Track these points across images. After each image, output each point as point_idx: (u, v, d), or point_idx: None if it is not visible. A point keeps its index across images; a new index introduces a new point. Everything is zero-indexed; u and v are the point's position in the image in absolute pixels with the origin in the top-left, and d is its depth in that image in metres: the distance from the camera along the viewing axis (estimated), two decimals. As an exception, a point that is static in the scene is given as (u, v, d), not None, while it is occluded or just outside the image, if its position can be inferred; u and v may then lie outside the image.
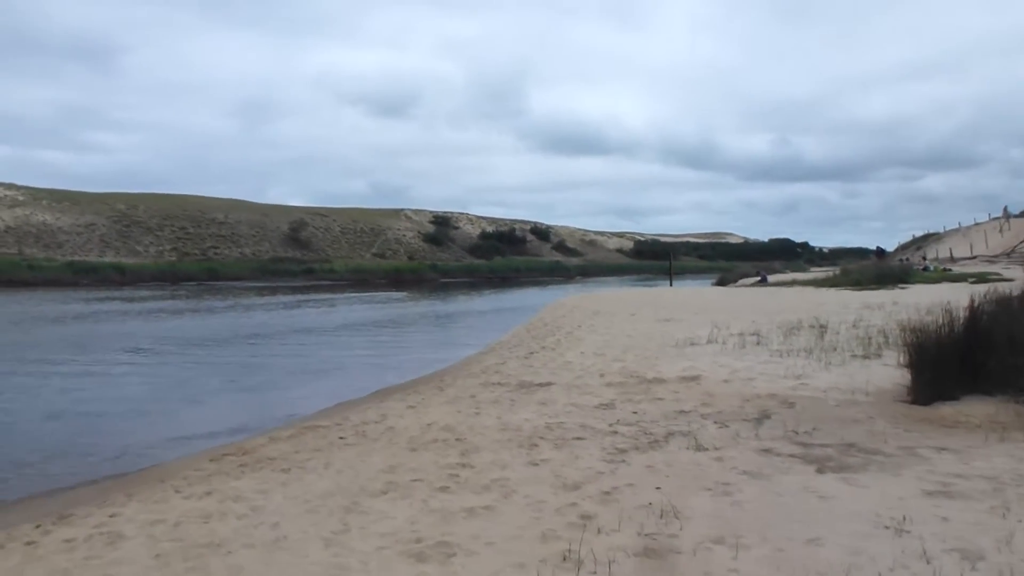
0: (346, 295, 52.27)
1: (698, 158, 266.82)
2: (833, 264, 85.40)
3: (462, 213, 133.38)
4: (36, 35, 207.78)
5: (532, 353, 13.37)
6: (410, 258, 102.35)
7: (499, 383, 10.40)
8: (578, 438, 7.01)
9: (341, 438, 7.43)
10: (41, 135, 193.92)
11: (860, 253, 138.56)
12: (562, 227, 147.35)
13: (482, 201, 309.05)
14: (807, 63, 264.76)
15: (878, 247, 44.36)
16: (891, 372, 9.65)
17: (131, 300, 41.47)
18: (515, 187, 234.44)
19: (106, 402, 12.36)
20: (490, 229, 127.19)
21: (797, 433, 6.98)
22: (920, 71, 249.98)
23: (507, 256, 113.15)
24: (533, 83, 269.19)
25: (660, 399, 8.91)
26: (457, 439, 7.10)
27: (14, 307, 35.11)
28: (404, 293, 57.07)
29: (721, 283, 48.67)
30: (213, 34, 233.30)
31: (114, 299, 42.22)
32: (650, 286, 59.36)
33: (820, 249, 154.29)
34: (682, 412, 8.16)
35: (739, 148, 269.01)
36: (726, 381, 9.76)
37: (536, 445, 6.79)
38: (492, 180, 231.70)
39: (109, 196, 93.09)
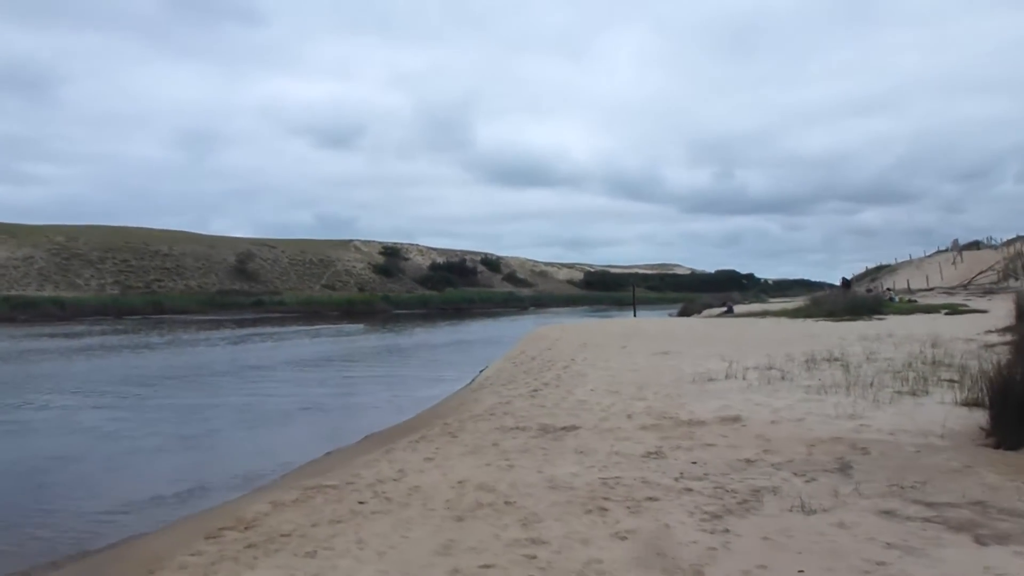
0: (299, 328, 50.45)
1: (643, 190, 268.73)
2: (783, 295, 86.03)
3: (412, 244, 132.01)
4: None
5: (536, 391, 12.19)
6: (360, 289, 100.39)
7: (517, 427, 9.20)
8: (651, 498, 5.88)
9: (361, 503, 6.15)
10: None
11: (805, 284, 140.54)
12: (512, 258, 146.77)
13: (431, 232, 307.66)
14: (751, 97, 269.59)
15: (843, 278, 44.50)
16: (950, 411, 8.76)
17: (72, 336, 39.19)
18: (463, 218, 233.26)
19: (46, 458, 10.83)
20: (440, 260, 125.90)
21: (903, 488, 5.96)
22: (859, 107, 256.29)
23: (458, 287, 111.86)
24: (480, 115, 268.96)
25: (711, 445, 7.83)
26: (506, 502, 5.90)
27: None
28: (360, 325, 55.39)
29: (685, 313, 48.11)
30: (156, 64, 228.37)
31: (55, 335, 39.85)
32: (608, 316, 58.69)
33: (765, 280, 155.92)
34: (747, 461, 7.09)
35: (683, 181, 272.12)
36: (773, 423, 8.74)
37: (605, 509, 5.64)
38: (440, 211, 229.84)
39: (48, 228, 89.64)
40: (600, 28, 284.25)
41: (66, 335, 39.62)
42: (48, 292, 70.23)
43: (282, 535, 5.36)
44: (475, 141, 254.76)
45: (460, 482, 6.64)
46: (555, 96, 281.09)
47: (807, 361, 13.26)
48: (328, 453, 10.17)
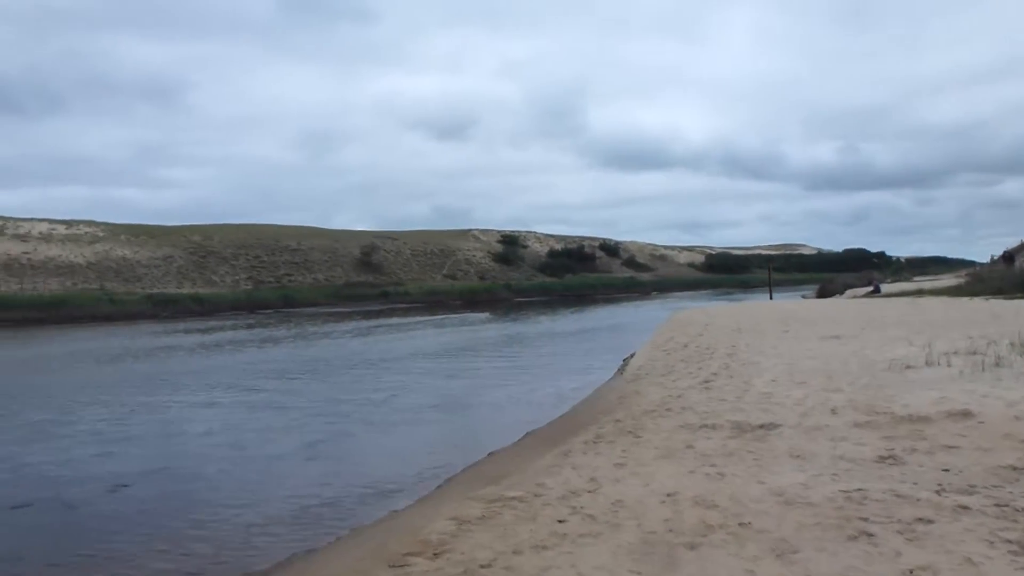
0: (424, 318, 50.58)
1: (763, 169, 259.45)
2: (922, 273, 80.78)
3: (529, 232, 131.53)
4: (107, 78, 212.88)
5: (708, 383, 11.06)
6: (481, 278, 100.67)
7: (705, 425, 8.14)
8: (921, 520, 4.74)
9: (561, 522, 5.26)
10: (117, 174, 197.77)
11: (942, 262, 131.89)
12: (631, 242, 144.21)
13: (547, 219, 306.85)
14: (872, 69, 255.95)
15: (1005, 251, 40.74)
16: None
17: (209, 331, 40.35)
18: (578, 204, 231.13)
19: (188, 459, 10.46)
20: (558, 247, 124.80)
21: None
22: (988, 73, 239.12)
23: (578, 273, 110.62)
24: (592, 100, 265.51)
25: (953, 447, 6.56)
26: (740, 524, 4.88)
27: (103, 342, 34.12)
28: (484, 314, 55.14)
29: (825, 294, 45.57)
30: (276, 67, 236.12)
31: (195, 331, 41.16)
32: (739, 300, 56.36)
33: (898, 259, 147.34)
34: (1014, 469, 5.82)
35: (805, 157, 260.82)
36: (1018, 419, 7.36)
37: (871, 534, 4.54)
38: (555, 198, 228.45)
39: (184, 229, 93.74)
40: (710, 5, 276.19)
41: (202, 330, 40.87)
42: (187, 289, 73.25)
43: (482, 566, 4.51)
44: (587, 126, 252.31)
45: (669, 495, 5.65)
46: (667, 77, 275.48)
47: (1014, 344, 11.61)
48: (490, 454, 9.37)
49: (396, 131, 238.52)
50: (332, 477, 8.87)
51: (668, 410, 9.27)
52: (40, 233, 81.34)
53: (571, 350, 25.45)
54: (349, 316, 54.35)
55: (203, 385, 17.80)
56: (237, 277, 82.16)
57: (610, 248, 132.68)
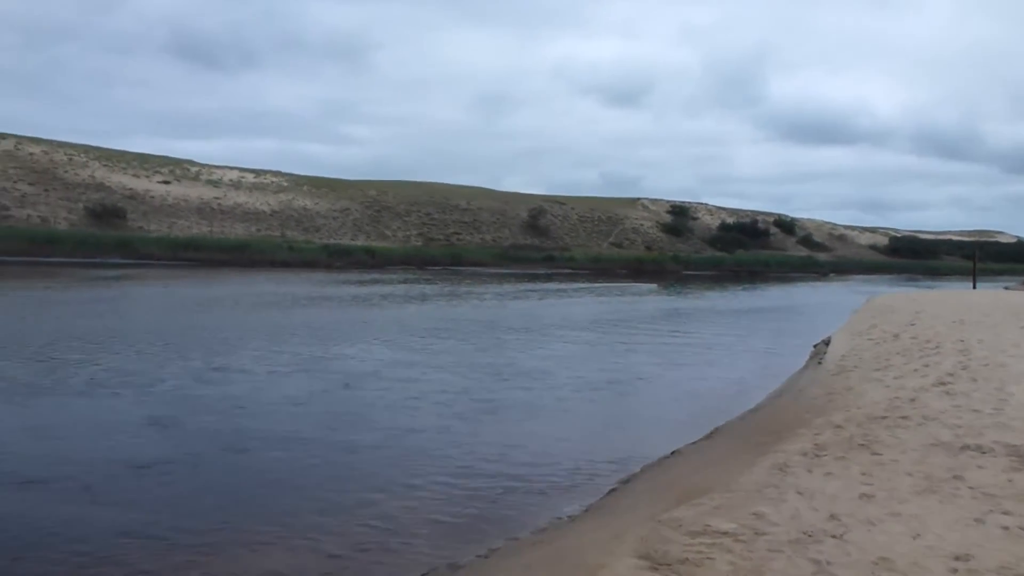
0: (588, 285, 49.25)
1: (959, 148, 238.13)
2: None
3: (700, 203, 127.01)
4: (300, 37, 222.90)
5: (944, 384, 9.01)
6: (648, 248, 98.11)
7: (968, 445, 6.26)
8: None
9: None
10: (304, 129, 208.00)
11: None
12: (808, 220, 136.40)
13: (718, 192, 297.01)
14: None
15: None
16: None
17: (380, 283, 40.71)
18: (752, 178, 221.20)
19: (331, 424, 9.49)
20: (730, 220, 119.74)
21: None
22: None
23: (749, 249, 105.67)
24: (774, 69, 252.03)
25: None
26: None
27: (280, 287, 34.95)
28: (651, 285, 53.13)
29: (1040, 287, 40.53)
30: (455, 30, 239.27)
31: (364, 282, 41.68)
32: (929, 287, 51.48)
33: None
34: None
35: (1008, 137, 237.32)
36: None
37: None
38: (727, 171, 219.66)
39: (362, 183, 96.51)
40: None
41: (372, 282, 41.31)
42: (360, 241, 75.29)
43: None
44: (767, 97, 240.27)
45: (959, 559, 3.95)
46: (856, 46, 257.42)
47: None
48: (674, 452, 7.84)
49: (569, 96, 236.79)
50: (479, 462, 7.63)
51: (903, 418, 7.38)
52: (230, 180, 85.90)
53: (747, 330, 23.34)
54: (513, 278, 53.87)
55: (369, 338, 17.24)
56: (408, 232, 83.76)
57: (785, 224, 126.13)
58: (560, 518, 5.98)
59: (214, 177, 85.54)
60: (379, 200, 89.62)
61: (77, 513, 5.94)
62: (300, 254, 62.50)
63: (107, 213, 64.90)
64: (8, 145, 76.06)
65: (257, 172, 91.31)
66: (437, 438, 8.56)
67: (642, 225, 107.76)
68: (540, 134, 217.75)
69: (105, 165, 78.64)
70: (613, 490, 6.64)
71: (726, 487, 5.41)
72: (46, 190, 67.69)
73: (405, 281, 43.85)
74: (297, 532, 5.71)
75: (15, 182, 67.40)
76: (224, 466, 7.33)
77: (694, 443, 8.25)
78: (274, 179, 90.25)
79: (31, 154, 75.43)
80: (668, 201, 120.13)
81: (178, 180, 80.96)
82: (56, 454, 7.42)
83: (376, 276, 48.95)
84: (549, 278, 57.34)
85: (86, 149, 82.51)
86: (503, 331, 19.91)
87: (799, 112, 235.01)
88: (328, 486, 6.77)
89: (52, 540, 5.45)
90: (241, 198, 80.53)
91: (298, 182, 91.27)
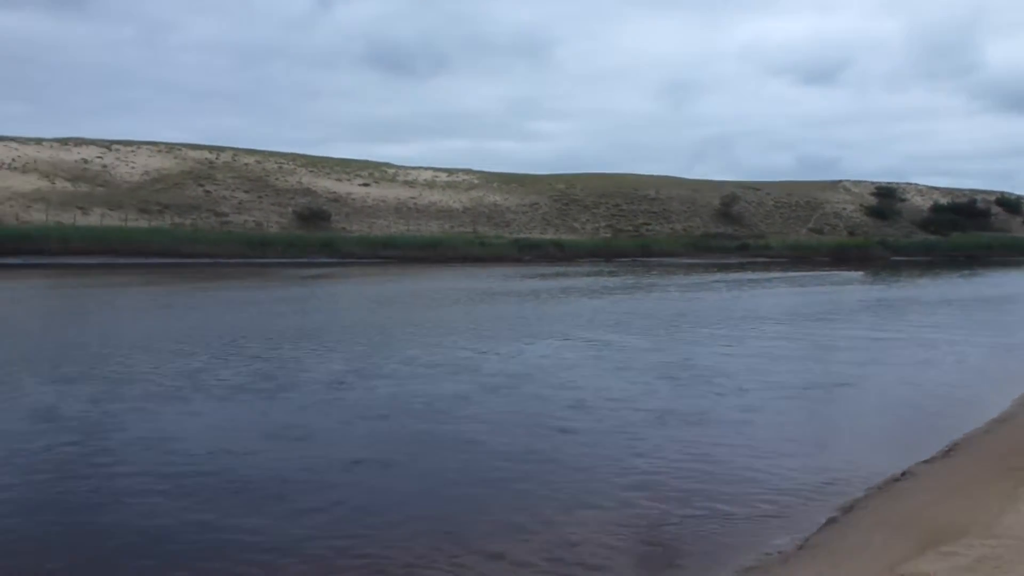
0: (788, 273, 46.69)
1: None
2: None
3: (908, 184, 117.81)
4: (486, 38, 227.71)
5: None
6: (850, 233, 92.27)
7: None
8: None
9: None
10: (492, 128, 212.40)
11: None
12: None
13: (927, 171, 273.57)
14: None
15: None
16: None
17: (569, 276, 40.47)
18: (967, 154, 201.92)
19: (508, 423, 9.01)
20: (943, 201, 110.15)
21: None
22: None
23: (967, 231, 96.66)
24: (989, 33, 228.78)
25: None
26: None
27: (471, 282, 35.54)
28: (855, 273, 49.68)
29: None
30: (638, 19, 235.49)
31: (554, 275, 41.60)
32: None
33: None
34: None
35: None
36: None
37: None
38: (938, 147, 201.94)
39: (550, 178, 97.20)
40: None
41: (561, 275, 41.13)
42: (549, 235, 75.70)
43: None
44: (982, 64, 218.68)
45: None
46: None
47: None
48: (905, 473, 6.79)
49: (760, 78, 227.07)
50: (668, 479, 6.89)
51: None
52: (425, 180, 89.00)
53: (969, 322, 20.98)
54: (706, 268, 52.10)
55: (541, 335, 16.74)
56: (597, 225, 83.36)
57: (1010, 204, 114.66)
58: (769, 554, 5.20)
59: (410, 178, 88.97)
60: (567, 193, 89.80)
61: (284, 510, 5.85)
62: (491, 249, 63.66)
63: (313, 216, 68.98)
64: (227, 157, 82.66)
65: (449, 171, 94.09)
66: (616, 447, 7.91)
67: (844, 209, 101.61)
68: (730, 119, 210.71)
69: (311, 171, 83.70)
70: (832, 520, 5.76)
71: (987, 530, 4.43)
72: (259, 197, 72.90)
73: (590, 274, 43.39)
74: (465, 554, 5.30)
75: (233, 190, 73.10)
76: (391, 473, 7.07)
77: (927, 462, 7.14)
78: (465, 177, 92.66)
79: (246, 164, 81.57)
80: (872, 182, 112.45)
81: (377, 182, 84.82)
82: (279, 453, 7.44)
83: (562, 269, 48.85)
84: (742, 267, 55.03)
85: (294, 157, 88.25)
86: (684, 326, 18.85)
87: (1022, 79, 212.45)
88: (502, 500, 6.33)
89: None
90: (435, 197, 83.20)
91: (488, 179, 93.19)
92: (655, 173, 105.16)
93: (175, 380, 10.84)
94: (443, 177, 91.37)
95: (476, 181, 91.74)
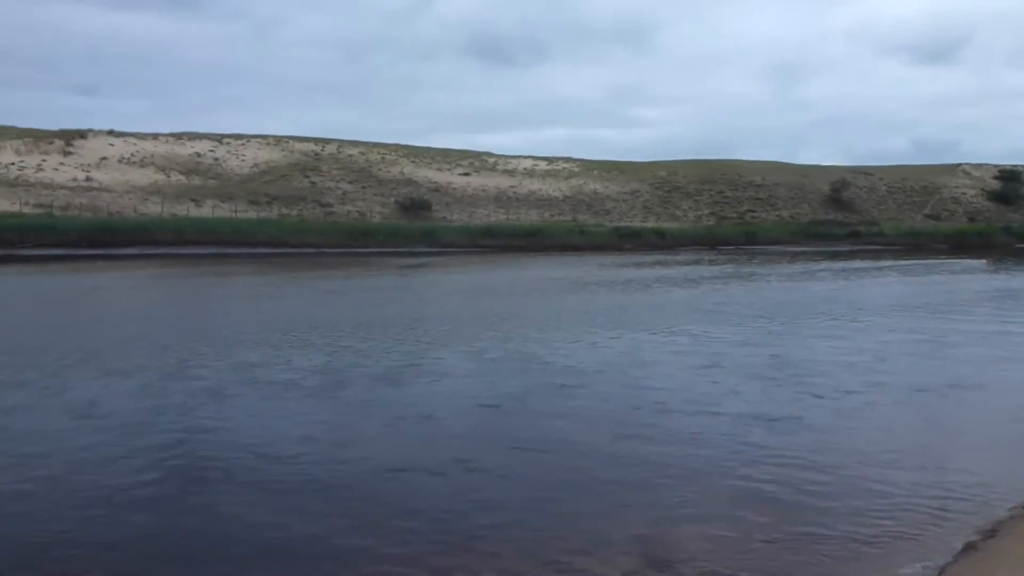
0: (902, 262, 44.36)
1: None
2: None
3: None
4: (587, 25, 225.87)
5: None
6: (971, 219, 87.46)
7: None
8: None
9: None
10: (593, 115, 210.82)
11: None
12: None
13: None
14: None
15: None
16: None
17: (671, 265, 39.51)
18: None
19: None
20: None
21: None
22: None
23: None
24: None
25: None
26: None
27: (577, 270, 35.14)
28: (978, 261, 46.87)
29: None
30: (742, 1, 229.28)
31: (655, 264, 40.70)
32: None
33: None
34: None
35: None
36: None
37: None
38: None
39: (651, 165, 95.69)
40: None
41: (662, 263, 40.21)
42: (650, 223, 74.43)
43: None
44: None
45: None
46: None
47: None
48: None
49: (871, 58, 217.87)
50: (775, 488, 6.25)
51: None
52: (524, 169, 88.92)
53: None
54: (814, 256, 50.02)
55: (623, 325, 15.97)
56: (699, 212, 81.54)
57: None
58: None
59: (509, 167, 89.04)
60: (669, 180, 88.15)
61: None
62: (590, 237, 62.96)
63: (415, 206, 69.80)
64: (332, 149, 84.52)
65: (549, 160, 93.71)
66: (711, 452, 7.21)
67: (964, 194, 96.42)
68: (840, 101, 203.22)
69: (413, 162, 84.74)
70: (971, 547, 5.08)
71: None
72: (363, 187, 74.23)
73: (690, 262, 42.25)
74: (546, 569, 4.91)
75: (337, 181, 74.67)
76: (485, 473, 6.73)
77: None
78: (565, 165, 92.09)
79: (350, 156, 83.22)
80: (995, 165, 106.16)
81: (477, 172, 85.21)
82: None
83: (662, 257, 47.82)
84: (852, 255, 52.69)
85: (396, 148, 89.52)
86: (783, 319, 17.74)
87: None
88: (588, 507, 5.88)
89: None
90: (535, 185, 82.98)
91: (588, 167, 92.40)
92: (760, 159, 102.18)
93: (286, 371, 10.81)
94: (543, 166, 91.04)
95: (576, 169, 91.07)
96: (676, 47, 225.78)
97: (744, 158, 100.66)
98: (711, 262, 42.50)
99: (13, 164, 63.44)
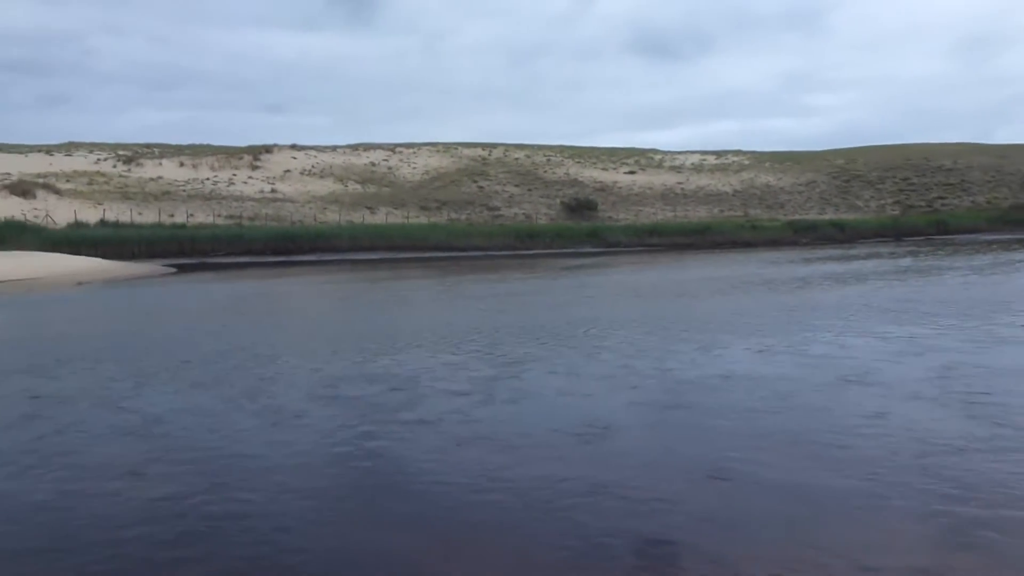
0: None
1: None
2: None
3: None
4: (754, 13, 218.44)
5: None
6: None
7: None
8: None
9: None
10: (764, 105, 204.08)
11: None
12: None
13: None
14: None
15: None
16: None
17: (852, 259, 37.02)
18: None
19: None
20: None
21: None
22: None
23: None
24: None
25: None
26: None
27: (738, 268, 33.72)
28: None
29: None
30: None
31: (835, 258, 38.29)
32: None
33: None
34: None
35: None
36: None
37: None
38: None
39: (827, 153, 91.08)
40: None
41: (842, 258, 37.73)
42: (828, 215, 70.62)
43: None
44: None
45: None
46: None
47: None
48: None
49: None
50: (990, 531, 5.28)
51: None
52: (692, 164, 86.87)
53: None
54: (1000, 245, 45.04)
55: (823, 326, 14.58)
56: (882, 202, 76.57)
57: None
58: None
59: (676, 163, 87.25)
60: (848, 169, 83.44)
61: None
62: (763, 232, 60.46)
63: (580, 206, 69.66)
64: (499, 153, 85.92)
65: (718, 153, 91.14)
66: (912, 483, 6.15)
67: None
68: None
69: (578, 162, 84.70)
70: None
71: None
72: (529, 190, 74.89)
73: (872, 256, 39.34)
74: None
75: (504, 185, 75.74)
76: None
77: None
78: (735, 159, 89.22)
79: (516, 159, 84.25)
80: None
81: (643, 169, 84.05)
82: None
83: (842, 251, 44.96)
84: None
85: (561, 149, 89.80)
86: (977, 320, 15.40)
87: None
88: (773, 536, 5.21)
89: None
90: (703, 181, 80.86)
91: (760, 159, 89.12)
92: (951, 140, 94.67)
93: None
94: (711, 160, 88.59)
95: (747, 162, 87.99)
96: (851, 28, 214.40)
97: (931, 141, 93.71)
98: (893, 255, 39.39)
99: (208, 179, 68.56)
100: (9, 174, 60.90)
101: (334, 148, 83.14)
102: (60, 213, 51.71)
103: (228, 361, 11.57)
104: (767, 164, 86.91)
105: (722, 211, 72.76)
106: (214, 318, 18.89)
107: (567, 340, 13.09)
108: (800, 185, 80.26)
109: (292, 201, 65.29)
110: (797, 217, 68.91)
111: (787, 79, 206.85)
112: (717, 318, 16.00)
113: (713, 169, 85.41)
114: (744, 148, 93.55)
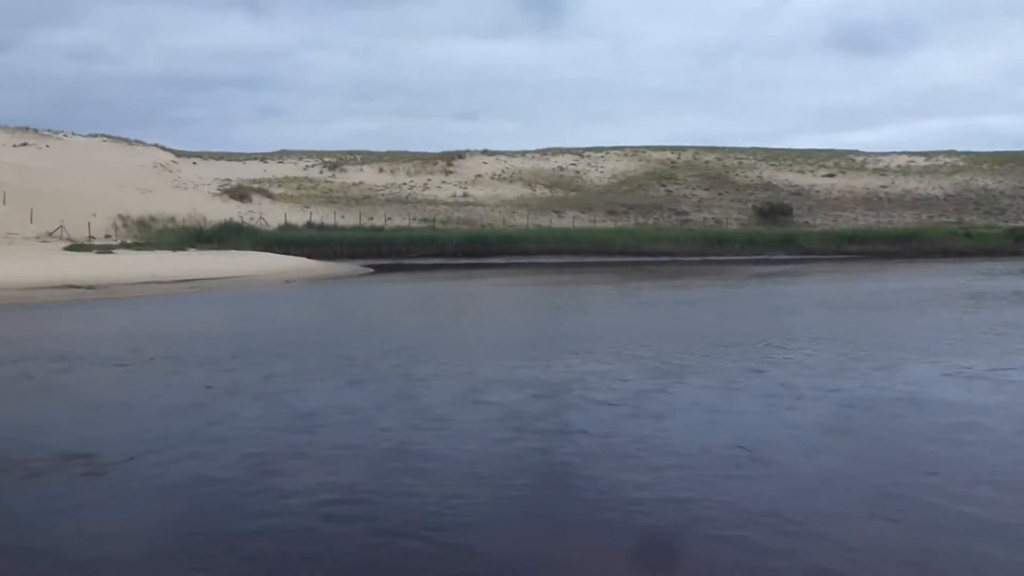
0: None
1: None
2: None
3: None
4: (970, 1, 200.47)
5: None
6: None
7: None
8: None
9: None
10: (981, 101, 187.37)
11: None
12: None
13: None
14: None
15: None
16: None
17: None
18: None
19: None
20: None
21: None
22: None
23: None
24: None
25: None
26: None
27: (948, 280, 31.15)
28: None
29: None
30: None
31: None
32: None
33: None
34: None
35: None
36: None
37: None
38: None
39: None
40: None
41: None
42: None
43: None
44: None
45: None
46: None
47: None
48: None
49: None
50: None
51: None
52: (898, 167, 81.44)
53: None
54: None
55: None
56: None
57: None
58: None
59: (880, 165, 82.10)
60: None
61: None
62: (979, 240, 55.58)
63: (773, 211, 67.02)
64: (688, 156, 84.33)
65: (928, 154, 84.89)
66: None
67: None
68: None
69: (772, 165, 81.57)
70: None
71: None
72: (719, 194, 72.95)
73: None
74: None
75: (693, 189, 74.24)
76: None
77: None
78: (947, 160, 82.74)
79: (706, 162, 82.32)
80: None
81: (842, 172, 79.72)
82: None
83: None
84: None
85: (754, 151, 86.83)
86: None
87: None
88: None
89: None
90: (910, 184, 75.57)
91: (976, 160, 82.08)
92: None
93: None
94: (920, 162, 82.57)
95: (961, 164, 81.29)
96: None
97: None
98: None
99: (405, 184, 71.93)
100: (229, 180, 66.72)
101: (523, 153, 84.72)
102: (272, 215, 55.99)
103: (387, 361, 12.00)
104: (985, 165, 79.90)
105: (931, 217, 67.68)
106: (394, 318, 19.80)
107: (737, 352, 12.59)
108: (1023, 188, 73.20)
109: (483, 205, 67.16)
110: (1020, 224, 62.81)
111: (1007, 72, 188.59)
112: (908, 334, 14.86)
113: (922, 171, 79.59)
114: (958, 148, 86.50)
